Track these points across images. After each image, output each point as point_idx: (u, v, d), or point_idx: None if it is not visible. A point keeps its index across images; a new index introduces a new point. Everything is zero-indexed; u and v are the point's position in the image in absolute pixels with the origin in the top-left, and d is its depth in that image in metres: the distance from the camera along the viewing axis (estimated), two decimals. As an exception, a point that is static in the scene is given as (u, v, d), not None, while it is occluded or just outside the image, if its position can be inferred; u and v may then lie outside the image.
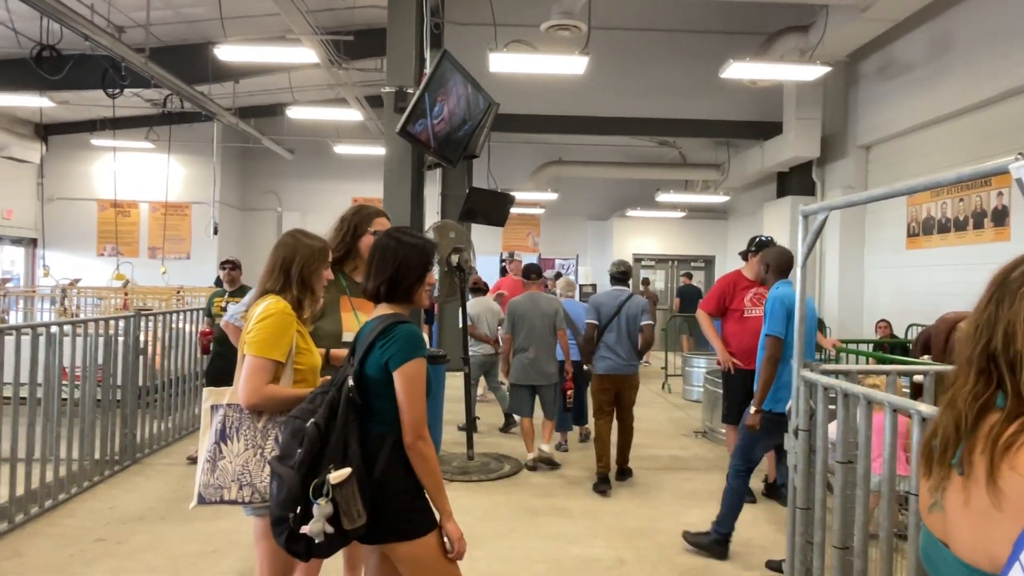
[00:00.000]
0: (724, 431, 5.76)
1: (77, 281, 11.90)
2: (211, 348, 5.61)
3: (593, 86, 10.18)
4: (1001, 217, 7.63)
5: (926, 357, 5.52)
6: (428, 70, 5.10)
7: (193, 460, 5.53)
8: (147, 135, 13.60)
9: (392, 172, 5.27)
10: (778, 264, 4.11)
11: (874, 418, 2.40)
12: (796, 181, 11.40)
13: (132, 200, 14.79)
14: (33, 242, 14.66)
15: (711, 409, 6.97)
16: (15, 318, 10.50)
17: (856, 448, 2.39)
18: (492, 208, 8.26)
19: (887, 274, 9.83)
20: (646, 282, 15.10)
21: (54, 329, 4.67)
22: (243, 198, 16.19)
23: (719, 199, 13.72)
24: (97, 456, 5.12)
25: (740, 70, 7.71)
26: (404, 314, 2.12)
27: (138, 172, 14.70)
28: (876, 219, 10.04)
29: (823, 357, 6.27)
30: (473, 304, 7.05)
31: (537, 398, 5.85)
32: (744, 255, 5.16)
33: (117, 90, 9.54)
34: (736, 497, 3.94)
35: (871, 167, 10.26)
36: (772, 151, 11.16)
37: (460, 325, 5.89)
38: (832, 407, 2.63)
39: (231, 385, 2.35)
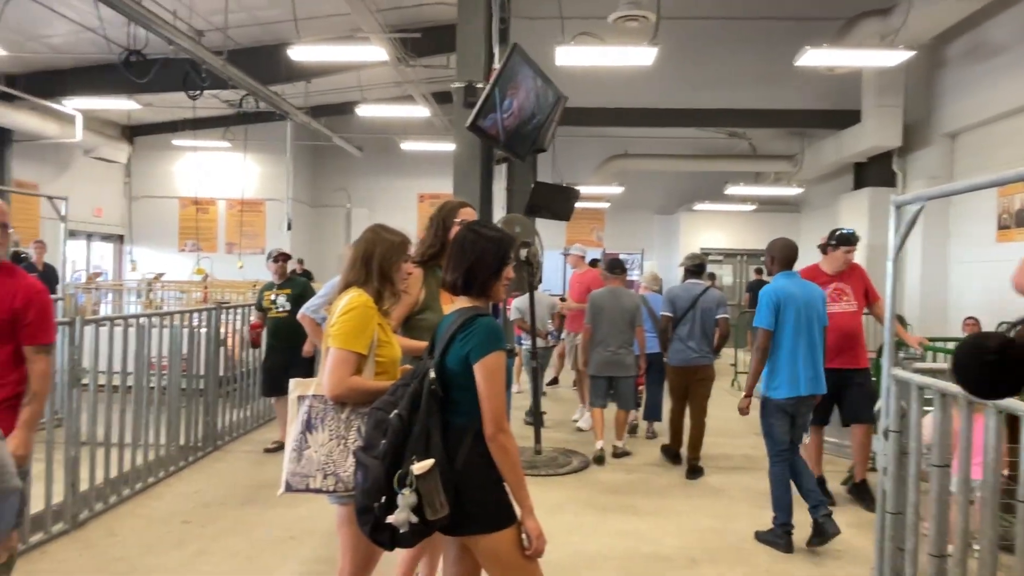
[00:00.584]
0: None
1: (161, 275, 12.47)
2: (262, 341, 5.70)
3: (661, 77, 10.00)
4: (1105, 208, 7.12)
5: None
6: (498, 64, 5.10)
7: (270, 449, 5.75)
8: (224, 135, 14.15)
9: (461, 168, 5.30)
10: (783, 256, 4.14)
11: (975, 420, 2.27)
12: (874, 172, 10.94)
13: (211, 198, 15.40)
14: (120, 238, 15.45)
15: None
16: (105, 311, 11.10)
17: (950, 451, 2.27)
18: (557, 202, 8.20)
19: (974, 269, 9.31)
20: (712, 277, 14.77)
21: (143, 321, 4.90)
22: (314, 195, 16.63)
23: (791, 191, 13.29)
24: (182, 442, 5.36)
25: (816, 57, 7.44)
26: (483, 307, 2.12)
27: (216, 171, 15.29)
28: (962, 211, 9.52)
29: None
30: (521, 299, 7.06)
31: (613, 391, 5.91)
32: (823, 248, 4.95)
33: (197, 92, 9.96)
34: (780, 484, 4.01)
35: (957, 156, 9.74)
36: (849, 141, 10.73)
37: (527, 319, 5.89)
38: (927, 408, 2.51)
39: (289, 379, 2.43)
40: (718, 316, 5.49)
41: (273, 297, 5.68)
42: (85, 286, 10.71)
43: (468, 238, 2.13)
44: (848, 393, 4.68)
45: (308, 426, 2.33)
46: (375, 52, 8.79)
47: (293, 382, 2.43)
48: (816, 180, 13.58)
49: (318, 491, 2.29)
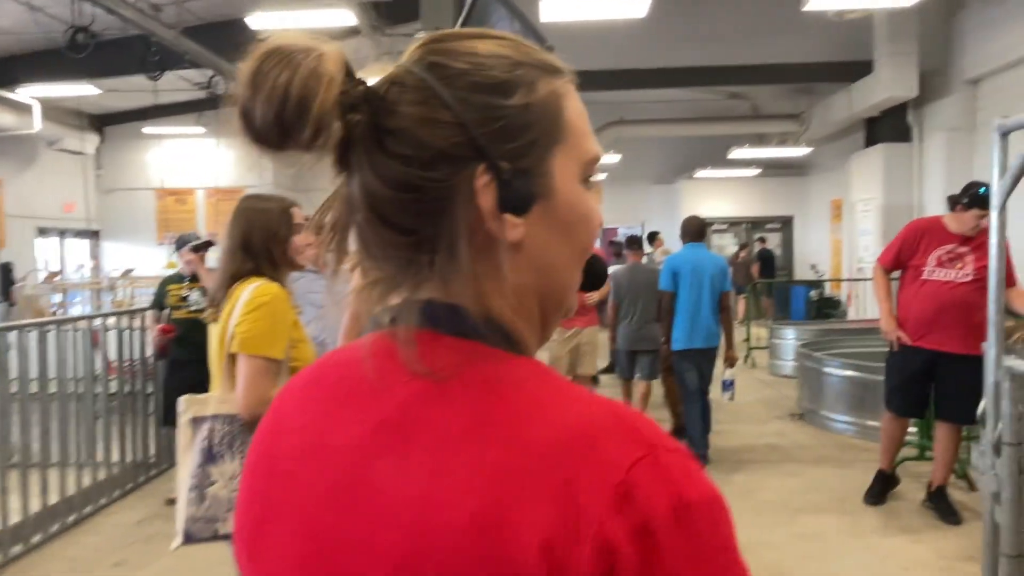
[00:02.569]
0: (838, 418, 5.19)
1: (129, 272, 11.80)
2: (169, 350, 4.40)
3: (655, 34, 9.23)
4: None
5: None
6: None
7: (172, 501, 4.16)
8: (198, 120, 13.41)
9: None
10: (688, 230, 4.99)
11: None
12: (888, 127, 10.19)
13: (188, 187, 14.67)
14: (96, 234, 14.76)
15: (810, 387, 6.12)
16: (81, 310, 10.48)
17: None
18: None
19: None
20: (744, 247, 14.27)
21: (97, 324, 4.26)
22: (297, 179, 15.84)
23: (799, 152, 12.53)
24: (128, 459, 4.73)
25: (826, 1, 6.77)
26: None
27: (192, 158, 14.55)
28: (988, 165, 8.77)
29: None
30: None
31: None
32: (953, 203, 3.98)
33: (157, 72, 9.23)
34: (691, 421, 4.87)
35: (980, 104, 8.99)
36: (861, 94, 9.97)
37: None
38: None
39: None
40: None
41: (184, 293, 4.46)
42: (38, 287, 10.04)
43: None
44: (943, 384, 3.86)
45: (210, 456, 1.88)
46: (343, 16, 8.05)
47: (183, 400, 1.92)
48: (824, 140, 12.83)
49: (229, 537, 1.77)
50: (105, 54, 8.67)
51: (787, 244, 16.05)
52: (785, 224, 15.96)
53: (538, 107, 0.56)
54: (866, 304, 9.82)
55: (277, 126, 0.51)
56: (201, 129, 13.35)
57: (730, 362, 4.99)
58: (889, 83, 9.26)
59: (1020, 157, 1.83)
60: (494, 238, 0.54)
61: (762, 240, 15.10)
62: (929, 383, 3.90)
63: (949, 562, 3.35)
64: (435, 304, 0.55)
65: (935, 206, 9.34)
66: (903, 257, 3.96)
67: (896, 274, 4.09)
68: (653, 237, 10.95)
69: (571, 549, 0.44)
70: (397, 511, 0.49)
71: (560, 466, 0.46)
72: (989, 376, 1.88)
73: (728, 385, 4.97)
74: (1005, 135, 1.89)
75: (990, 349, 1.92)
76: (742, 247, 14.36)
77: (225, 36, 9.89)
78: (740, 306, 11.17)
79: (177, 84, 12.03)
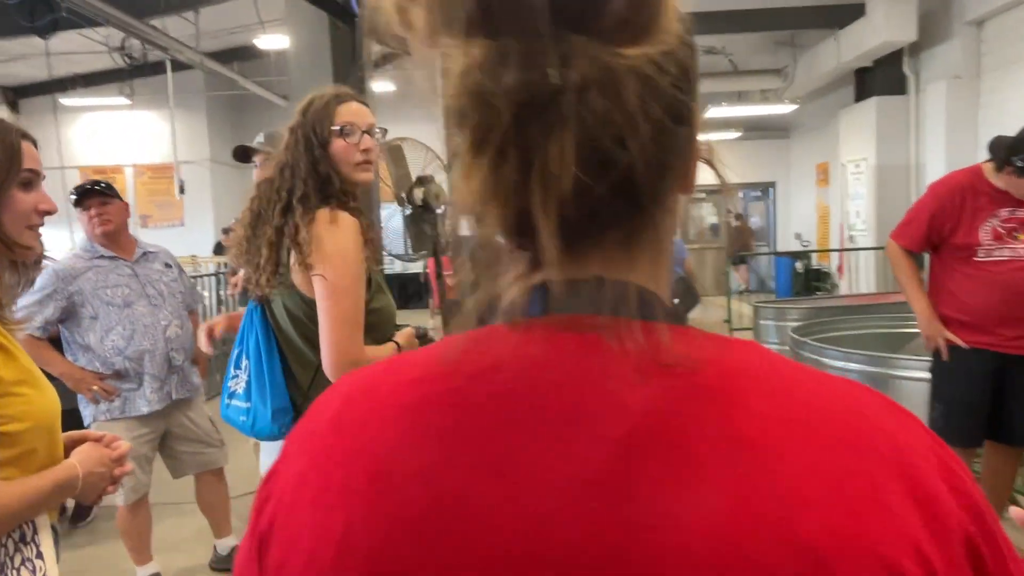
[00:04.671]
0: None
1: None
2: None
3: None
4: None
5: None
6: None
7: None
8: (121, 90, 12.13)
9: (301, 70, 3.48)
10: None
11: None
12: (881, 78, 9.19)
13: (116, 165, 13.37)
14: (18, 219, 13.46)
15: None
16: None
17: None
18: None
19: None
20: (740, 216, 13.75)
21: None
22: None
23: (782, 109, 11.48)
24: None
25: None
26: None
27: (119, 133, 13.26)
28: (995, 116, 7.82)
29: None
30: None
31: None
32: (1001, 160, 2.70)
33: (47, 25, 7.96)
34: None
35: (984, 48, 8.01)
36: (851, 41, 8.92)
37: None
38: None
39: None
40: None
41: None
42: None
43: None
44: (1017, 398, 2.77)
45: None
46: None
47: None
48: (808, 97, 11.80)
49: None
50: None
51: (768, 215, 15.12)
52: (765, 191, 15.02)
53: None
54: (859, 277, 8.90)
55: None
56: (125, 100, 12.11)
57: None
58: (884, 26, 8.22)
59: None
60: (687, 191, 0.47)
61: (738, 217, 14.26)
62: (997, 398, 2.81)
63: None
64: (636, 287, 0.44)
65: (935, 165, 8.38)
66: (939, 231, 2.80)
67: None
68: None
69: (947, 557, 0.39)
70: (693, 547, 0.37)
71: (895, 462, 0.40)
72: None
73: None
74: None
75: None
76: (737, 216, 13.69)
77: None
78: (743, 274, 11.36)
79: (96, 48, 10.77)
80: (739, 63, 11.74)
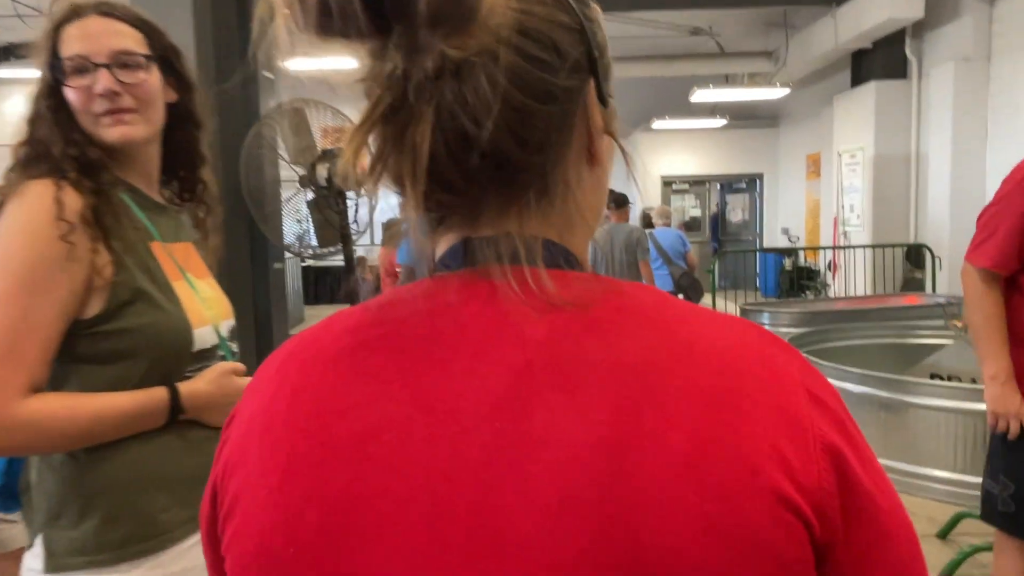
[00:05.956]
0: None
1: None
2: None
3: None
4: None
5: None
6: None
7: None
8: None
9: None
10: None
11: None
12: (881, 61, 8.47)
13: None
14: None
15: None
16: None
17: None
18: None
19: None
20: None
21: None
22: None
23: (772, 94, 10.69)
24: None
25: None
26: None
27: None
28: (1007, 102, 7.13)
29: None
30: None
31: None
32: None
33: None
34: None
35: (996, 28, 7.31)
36: (849, 19, 8.17)
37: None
38: None
39: None
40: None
41: None
42: None
43: None
44: None
45: None
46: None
47: None
48: (799, 83, 11.05)
49: None
50: None
51: (755, 206, 14.43)
52: (751, 183, 14.33)
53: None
54: (854, 277, 8.21)
55: None
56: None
57: None
58: (887, 3, 7.49)
59: None
60: (591, 163, 0.53)
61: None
62: None
63: None
64: (543, 240, 0.51)
65: (939, 155, 7.69)
66: None
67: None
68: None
69: (804, 457, 0.44)
70: (581, 457, 0.43)
71: (765, 382, 0.46)
72: None
73: None
74: None
75: None
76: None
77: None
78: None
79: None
80: (726, 45, 10.96)
